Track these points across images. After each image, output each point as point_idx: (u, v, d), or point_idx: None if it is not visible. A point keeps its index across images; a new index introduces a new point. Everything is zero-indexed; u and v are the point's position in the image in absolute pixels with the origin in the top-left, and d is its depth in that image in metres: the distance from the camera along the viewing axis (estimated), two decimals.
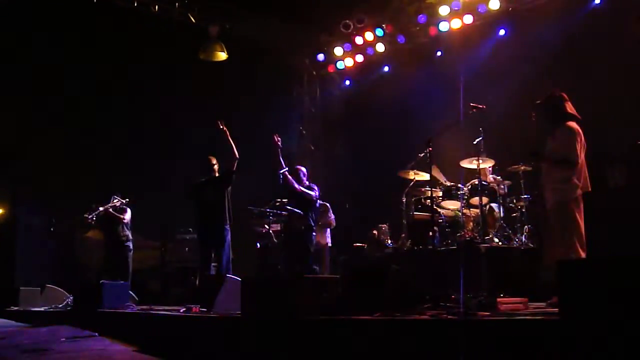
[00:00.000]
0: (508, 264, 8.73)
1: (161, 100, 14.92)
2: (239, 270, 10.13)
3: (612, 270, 4.19)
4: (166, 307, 10.80)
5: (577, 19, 11.68)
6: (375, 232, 11.48)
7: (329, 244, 12.16)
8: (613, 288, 4.10)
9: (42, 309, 12.01)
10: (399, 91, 14.11)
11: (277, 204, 11.54)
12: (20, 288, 13.00)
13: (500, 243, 9.39)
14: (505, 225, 9.74)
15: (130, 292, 11.26)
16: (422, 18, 14.03)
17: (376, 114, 14.80)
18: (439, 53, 14.14)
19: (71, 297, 11.81)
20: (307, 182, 10.77)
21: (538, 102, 7.70)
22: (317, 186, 10.95)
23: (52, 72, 14.05)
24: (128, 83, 14.75)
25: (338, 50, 15.79)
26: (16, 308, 12.43)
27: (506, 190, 10.11)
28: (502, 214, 9.88)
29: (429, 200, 10.25)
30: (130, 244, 12.59)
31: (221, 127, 10.16)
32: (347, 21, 14.92)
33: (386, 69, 15.43)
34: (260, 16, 15.10)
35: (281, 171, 10.55)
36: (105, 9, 13.39)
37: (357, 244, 11.82)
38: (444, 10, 13.54)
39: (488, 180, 10.21)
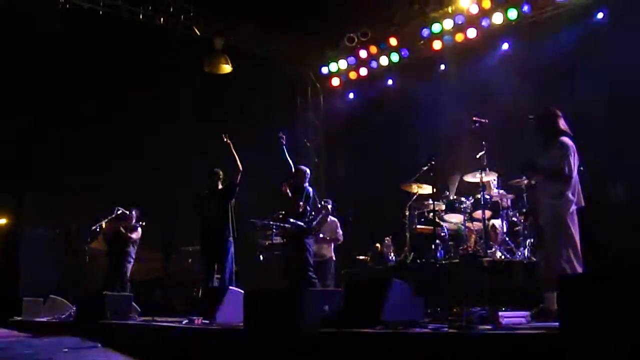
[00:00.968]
0: (510, 278, 8.73)
1: (165, 112, 14.97)
2: (241, 283, 10.14)
3: (612, 284, 4.20)
4: (168, 319, 10.81)
5: (580, 33, 11.71)
6: (378, 245, 11.48)
7: (334, 257, 12.16)
8: (614, 302, 4.11)
9: (45, 319, 12.03)
10: (403, 104, 14.16)
11: (281, 216, 11.55)
12: (24, 298, 13.01)
13: (502, 257, 9.39)
14: (507, 239, 9.75)
15: (133, 304, 11.26)
16: (425, 32, 14.09)
17: (379, 127, 14.83)
18: (442, 67, 14.18)
19: (74, 308, 11.83)
20: (307, 184, 10.70)
21: (531, 117, 7.75)
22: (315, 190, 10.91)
23: (56, 82, 14.12)
24: (132, 94, 14.80)
25: (342, 64, 15.85)
26: (19, 318, 12.45)
27: (509, 204, 10.11)
28: (505, 228, 9.88)
29: (432, 214, 10.27)
30: (131, 260, 12.58)
31: (225, 139, 10.19)
32: (352, 34, 14.98)
33: (390, 82, 15.46)
34: (264, 29, 15.17)
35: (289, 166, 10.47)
36: (110, 20, 13.45)
37: (360, 257, 11.83)
38: (447, 24, 13.59)
39: (492, 194, 10.21)
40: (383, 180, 13.46)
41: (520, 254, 9.43)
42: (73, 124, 14.79)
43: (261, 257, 12.43)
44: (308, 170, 10.63)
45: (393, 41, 14.75)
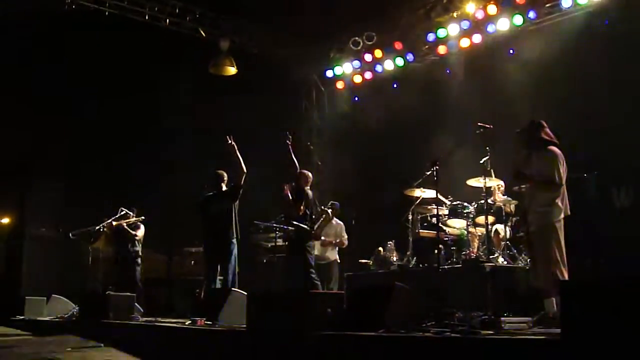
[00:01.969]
0: (513, 284, 8.74)
1: (169, 113, 15.01)
2: (244, 284, 10.15)
3: (613, 290, 4.22)
4: (171, 320, 10.84)
5: (585, 39, 11.71)
6: (380, 249, 11.49)
7: (338, 260, 12.17)
8: (615, 308, 4.13)
9: (47, 319, 12.06)
10: (407, 109, 14.15)
11: (284, 218, 11.57)
12: (26, 298, 13.04)
13: (505, 262, 9.40)
14: (510, 244, 9.76)
15: (136, 304, 11.29)
16: (431, 36, 14.09)
17: (383, 131, 14.83)
18: (447, 71, 14.18)
19: (77, 308, 11.86)
20: (308, 188, 10.72)
21: (518, 131, 7.83)
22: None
23: (58, 83, 14.15)
24: (136, 95, 14.83)
25: (347, 67, 15.86)
26: (22, 318, 12.47)
27: (513, 210, 10.12)
28: (507, 234, 9.89)
29: (434, 219, 10.28)
30: (139, 260, 12.62)
31: (229, 141, 10.21)
32: (357, 38, 14.99)
33: (394, 86, 15.46)
34: (270, 31, 15.20)
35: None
36: (115, 22, 13.48)
37: (363, 261, 11.83)
38: (453, 29, 13.60)
39: (496, 200, 10.22)
40: (386, 184, 13.47)
41: (522, 260, 9.44)
42: (76, 125, 14.82)
43: (264, 259, 12.46)
44: (310, 175, 10.64)
45: (398, 45, 14.74)
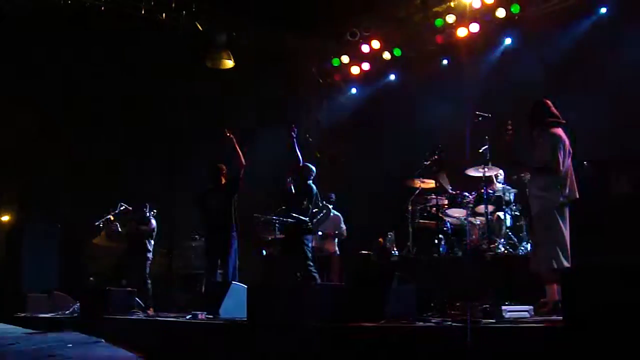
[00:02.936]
0: (513, 272, 8.73)
1: (167, 107, 14.98)
2: (244, 278, 10.14)
3: (615, 276, 4.20)
4: (172, 314, 10.84)
5: (582, 28, 11.69)
6: (381, 239, 11.49)
7: (337, 252, 12.17)
8: (617, 295, 4.11)
9: (48, 315, 12.05)
10: (405, 99, 14.14)
11: (284, 211, 11.55)
12: (27, 294, 13.03)
13: (505, 251, 9.40)
14: (510, 233, 9.75)
15: (137, 299, 11.28)
16: (428, 26, 14.05)
17: (382, 122, 14.83)
18: (445, 61, 14.16)
19: (78, 304, 11.85)
20: (311, 182, 10.67)
21: (510, 122, 7.76)
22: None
23: (56, 79, 14.12)
24: (134, 90, 14.79)
25: (344, 58, 15.82)
26: (23, 314, 12.47)
27: (512, 199, 10.10)
28: (508, 222, 9.88)
29: (434, 208, 10.27)
30: (150, 255, 12.53)
31: (228, 134, 10.18)
32: (354, 29, 14.95)
33: (392, 77, 15.44)
34: (267, 24, 15.15)
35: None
36: (112, 16, 13.43)
37: (363, 252, 11.83)
38: (450, 18, 13.55)
39: (495, 189, 10.21)
40: (385, 175, 13.46)
41: (523, 248, 9.43)
42: (75, 120, 14.79)
43: (264, 252, 12.45)
44: (314, 168, 10.60)
45: (396, 36, 14.71)
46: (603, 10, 11.69)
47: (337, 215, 12.14)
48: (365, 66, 15.69)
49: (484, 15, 13.19)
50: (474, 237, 10.04)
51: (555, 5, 12.39)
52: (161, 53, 14.23)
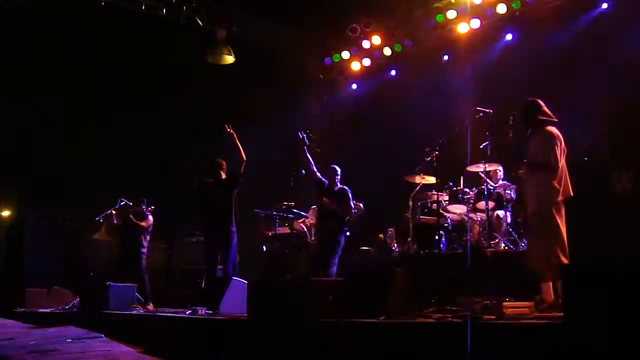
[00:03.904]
0: (514, 269, 8.71)
1: (167, 102, 14.97)
2: (245, 273, 10.14)
3: (615, 274, 4.19)
4: (172, 309, 10.84)
5: (584, 23, 11.68)
6: (381, 235, 11.48)
7: None
8: (617, 292, 4.11)
9: (48, 310, 12.06)
10: (406, 95, 14.12)
11: (284, 207, 11.55)
12: (27, 289, 13.05)
13: (506, 247, 9.39)
14: (511, 229, 9.74)
15: (137, 295, 11.28)
16: (429, 22, 14.03)
17: (383, 118, 14.80)
18: (445, 57, 14.14)
19: (77, 299, 11.86)
20: (338, 182, 10.65)
21: (514, 113, 7.77)
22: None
23: (56, 73, 14.11)
24: (133, 84, 14.79)
25: (345, 54, 15.80)
26: (23, 309, 12.48)
27: (513, 195, 10.09)
28: (508, 219, 9.87)
29: (435, 205, 10.26)
30: (145, 251, 12.47)
31: (228, 130, 10.16)
32: (355, 25, 14.93)
33: (393, 72, 15.42)
34: (267, 20, 15.13)
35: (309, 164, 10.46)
36: (112, 11, 13.41)
37: (363, 248, 11.82)
38: (451, 14, 13.53)
39: (496, 185, 10.21)
40: (386, 171, 13.43)
41: (523, 244, 9.42)
42: (74, 115, 14.80)
43: (264, 248, 12.44)
44: (338, 169, 10.57)
45: (396, 32, 14.69)
46: (604, 5, 11.65)
47: None
48: (366, 62, 15.67)
49: (485, 11, 13.16)
50: (474, 233, 10.03)
51: (557, 1, 12.36)
52: (160, 47, 14.22)
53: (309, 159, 10.42)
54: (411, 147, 12.14)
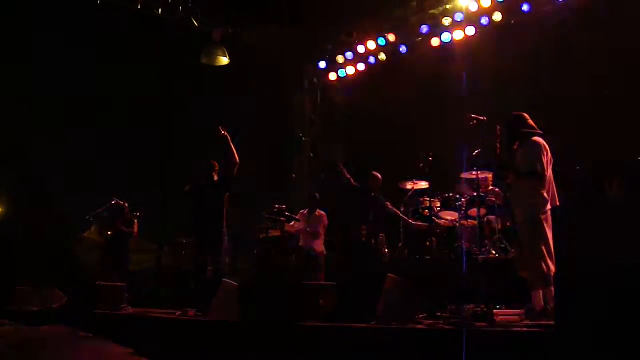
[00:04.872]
0: (505, 276, 8.73)
1: (161, 103, 14.95)
2: (236, 276, 10.12)
3: (608, 282, 4.21)
4: (162, 310, 10.81)
5: (577, 30, 11.70)
6: (373, 241, 11.48)
7: (325, 252, 12.13)
8: (609, 300, 4.12)
9: (38, 309, 12.00)
10: (400, 101, 14.12)
11: (275, 209, 11.53)
12: (17, 288, 12.98)
13: (497, 254, 9.41)
14: (502, 236, 9.76)
15: (126, 295, 11.26)
16: (424, 28, 14.06)
17: (376, 123, 14.81)
18: (440, 64, 14.14)
19: (67, 298, 11.81)
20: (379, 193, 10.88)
21: (499, 127, 7.84)
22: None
23: (53, 72, 14.08)
24: (129, 85, 14.76)
25: (340, 58, 15.80)
26: (12, 308, 12.41)
27: (503, 203, 10.11)
28: (499, 226, 9.89)
29: (427, 210, 10.28)
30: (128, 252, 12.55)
31: (222, 132, 10.13)
32: (350, 29, 14.94)
33: (388, 77, 15.41)
34: (263, 22, 15.14)
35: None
36: (107, 10, 13.39)
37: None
38: (446, 21, 13.56)
39: (487, 192, 10.22)
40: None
41: (514, 252, 9.43)
42: (70, 115, 14.76)
43: (255, 251, 12.42)
44: (379, 175, 10.85)
45: (391, 37, 14.71)
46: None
47: (321, 214, 12.13)
48: (361, 66, 15.68)
49: (480, 19, 13.19)
50: (465, 239, 10.05)
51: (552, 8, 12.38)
52: (155, 48, 14.20)
53: (349, 181, 10.89)
54: (405, 152, 12.15)
